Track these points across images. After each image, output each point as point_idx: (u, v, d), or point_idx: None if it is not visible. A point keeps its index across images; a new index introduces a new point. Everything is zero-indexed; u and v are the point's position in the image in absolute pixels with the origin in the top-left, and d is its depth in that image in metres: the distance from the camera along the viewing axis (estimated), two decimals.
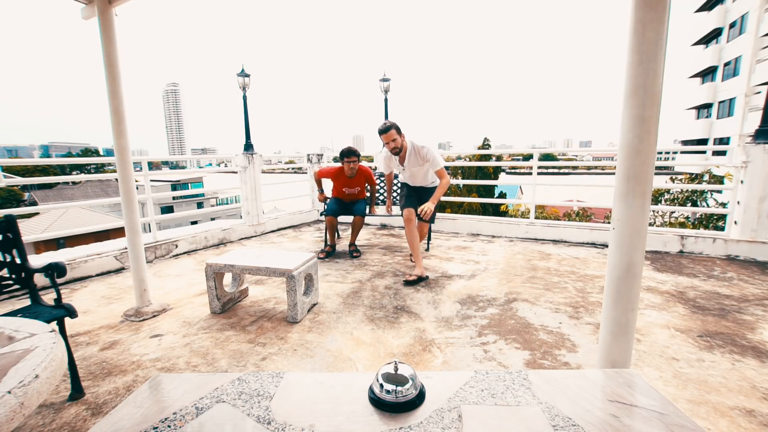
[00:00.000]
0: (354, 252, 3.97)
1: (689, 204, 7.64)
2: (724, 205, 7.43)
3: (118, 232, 3.97)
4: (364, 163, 4.25)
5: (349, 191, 4.09)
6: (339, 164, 3.96)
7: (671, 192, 7.94)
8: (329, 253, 3.96)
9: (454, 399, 0.62)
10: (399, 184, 4.77)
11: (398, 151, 3.22)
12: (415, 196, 3.47)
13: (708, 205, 7.69)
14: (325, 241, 4.09)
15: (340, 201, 4.08)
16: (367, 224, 5.59)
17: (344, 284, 3.12)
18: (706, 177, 8.09)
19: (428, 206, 3.01)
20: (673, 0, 1.10)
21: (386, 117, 7.30)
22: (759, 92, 18.52)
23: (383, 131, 3.15)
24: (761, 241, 3.58)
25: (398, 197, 4.04)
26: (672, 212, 7.11)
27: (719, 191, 7.71)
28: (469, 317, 2.47)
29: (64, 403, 1.68)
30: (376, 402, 0.61)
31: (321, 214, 4.06)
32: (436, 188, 3.26)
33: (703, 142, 24.38)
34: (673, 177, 8.76)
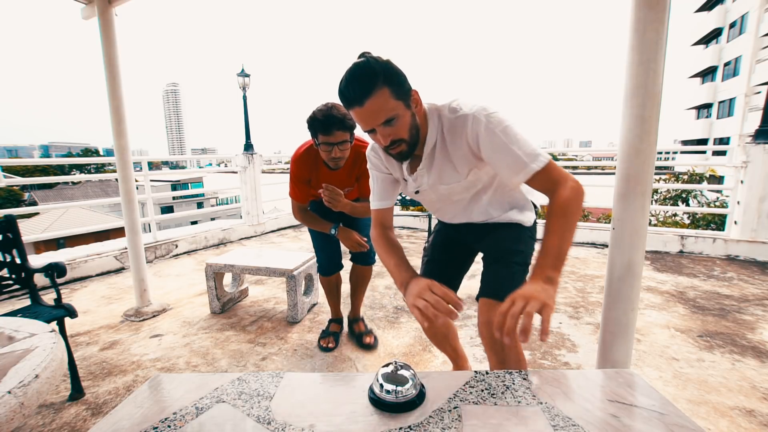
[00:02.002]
0: (365, 336, 2.14)
1: (681, 202, 7.66)
2: (710, 204, 7.45)
3: (118, 232, 3.98)
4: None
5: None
6: (307, 143, 1.85)
7: (659, 192, 7.95)
8: (337, 335, 2.20)
9: (454, 399, 0.62)
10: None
11: (400, 146, 0.99)
12: (457, 247, 1.40)
13: (699, 203, 7.71)
14: (327, 331, 2.22)
15: (320, 209, 2.00)
16: None
17: (344, 284, 3.12)
18: (688, 176, 8.13)
19: (524, 295, 0.78)
20: (673, 0, 1.10)
21: None
22: (759, 92, 18.53)
23: (353, 94, 0.90)
24: (761, 241, 3.58)
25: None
26: (666, 212, 7.13)
27: (719, 191, 7.72)
28: (469, 317, 2.47)
29: (64, 403, 1.68)
30: (376, 402, 0.61)
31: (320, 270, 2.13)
32: (520, 228, 1.23)
33: (703, 142, 24.39)
34: (659, 178, 8.74)
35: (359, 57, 0.92)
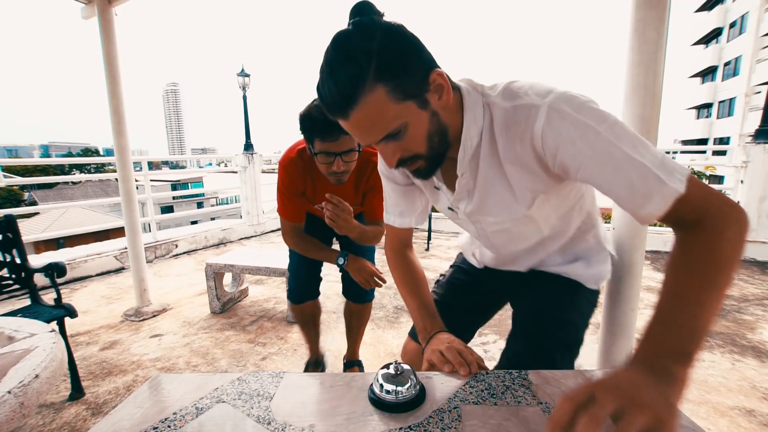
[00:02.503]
0: None
1: None
2: None
3: (118, 232, 3.98)
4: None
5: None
6: (299, 144, 1.38)
7: None
8: (323, 366, 1.83)
9: (454, 399, 0.62)
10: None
11: (416, 162, 0.65)
12: (478, 292, 1.01)
13: None
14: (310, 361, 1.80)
15: (315, 226, 1.53)
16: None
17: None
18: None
19: (621, 390, 0.42)
20: (673, 0, 1.09)
21: None
22: (759, 92, 18.54)
23: (331, 100, 0.57)
24: (761, 241, 3.58)
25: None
26: None
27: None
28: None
29: (64, 403, 1.68)
30: (376, 402, 0.61)
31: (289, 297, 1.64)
32: (578, 288, 0.85)
33: (703, 141, 24.40)
34: None
35: (349, 22, 0.58)
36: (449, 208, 0.80)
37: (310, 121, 1.13)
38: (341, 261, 1.42)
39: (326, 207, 1.24)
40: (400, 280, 0.92)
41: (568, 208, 0.77)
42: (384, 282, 1.46)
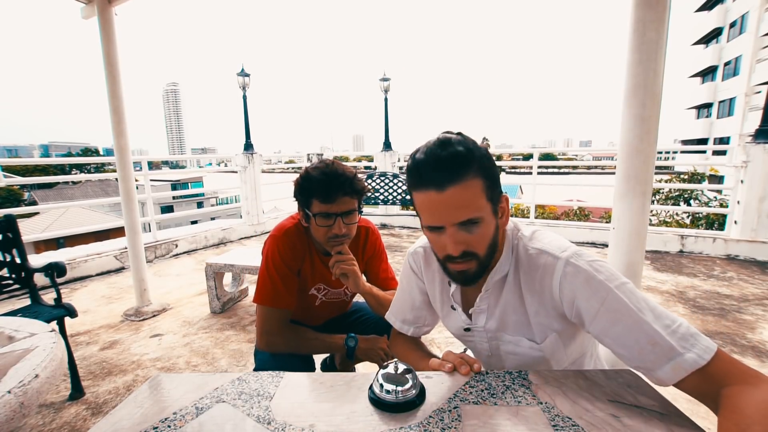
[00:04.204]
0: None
1: (682, 202, 7.70)
2: (709, 203, 7.48)
3: (118, 232, 3.98)
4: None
5: (329, 296, 1.32)
6: (292, 217, 1.31)
7: (661, 192, 7.99)
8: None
9: (454, 399, 0.62)
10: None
11: (470, 262, 0.68)
12: None
13: (701, 203, 7.74)
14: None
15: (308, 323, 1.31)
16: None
17: None
18: (689, 176, 8.19)
19: None
20: (673, 0, 1.09)
21: (386, 117, 6.24)
22: (759, 92, 18.53)
23: (435, 174, 0.63)
24: (761, 240, 3.58)
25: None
26: (666, 211, 7.15)
27: (719, 191, 7.73)
28: None
29: (64, 402, 1.68)
30: (376, 402, 0.61)
31: None
32: None
33: (704, 141, 24.40)
34: (660, 179, 8.75)
35: (454, 133, 0.67)
36: (465, 329, 0.83)
37: (308, 181, 1.10)
38: (352, 344, 1.19)
39: (332, 261, 1.14)
40: (402, 344, 0.94)
41: (580, 354, 0.81)
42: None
